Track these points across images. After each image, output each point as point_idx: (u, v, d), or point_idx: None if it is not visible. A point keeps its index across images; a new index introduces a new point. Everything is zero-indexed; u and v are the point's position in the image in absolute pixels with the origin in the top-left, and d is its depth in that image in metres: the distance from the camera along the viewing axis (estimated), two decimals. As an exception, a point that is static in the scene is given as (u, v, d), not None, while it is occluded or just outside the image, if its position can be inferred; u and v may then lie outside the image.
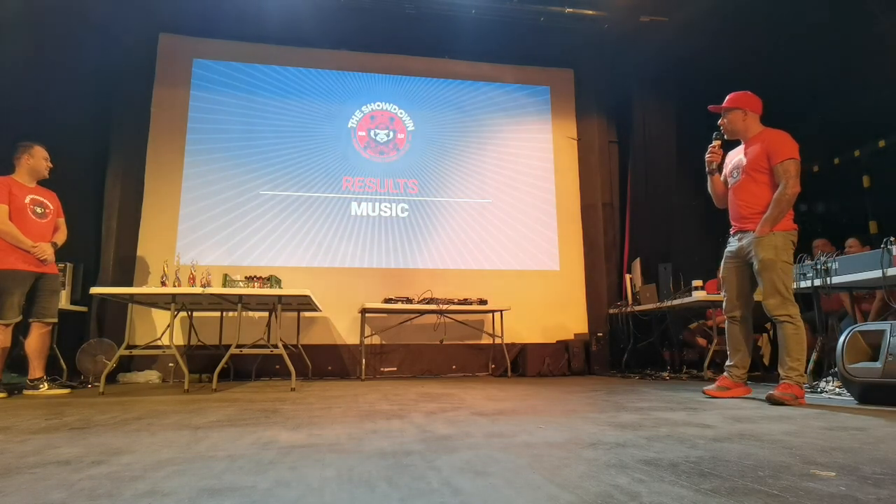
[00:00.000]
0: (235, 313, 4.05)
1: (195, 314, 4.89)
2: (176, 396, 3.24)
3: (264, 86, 5.76)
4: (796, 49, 5.14)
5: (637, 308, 5.12)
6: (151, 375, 4.66)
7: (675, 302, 4.59)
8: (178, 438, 1.67)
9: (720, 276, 3.08)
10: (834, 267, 3.24)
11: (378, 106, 5.97)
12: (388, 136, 5.91)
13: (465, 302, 5.06)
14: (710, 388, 2.95)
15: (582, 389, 3.48)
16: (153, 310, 4.98)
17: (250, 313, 5.09)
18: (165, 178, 5.36)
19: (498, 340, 5.23)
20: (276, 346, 3.83)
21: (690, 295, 4.40)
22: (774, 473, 1.15)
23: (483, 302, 5.11)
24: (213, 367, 3.80)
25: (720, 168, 3.11)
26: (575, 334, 5.63)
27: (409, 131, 5.96)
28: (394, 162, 5.87)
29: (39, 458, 1.38)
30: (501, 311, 5.18)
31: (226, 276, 3.96)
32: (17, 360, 3.81)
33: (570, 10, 5.35)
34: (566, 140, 6.20)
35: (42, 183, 3.79)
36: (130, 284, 5.02)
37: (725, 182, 3.07)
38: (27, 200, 3.61)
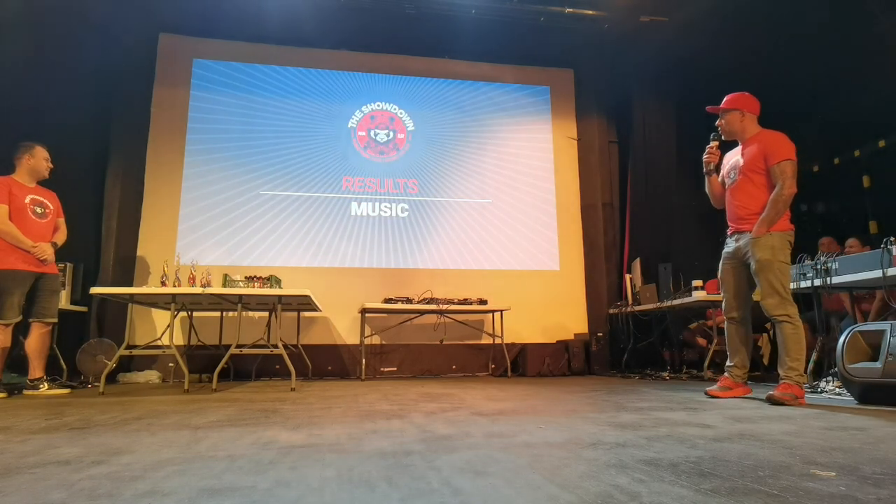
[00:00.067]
0: (235, 313, 4.05)
1: (195, 314, 4.89)
2: (176, 396, 3.24)
3: (264, 86, 5.76)
4: (796, 49, 5.14)
5: (637, 308, 5.12)
6: (151, 375, 4.66)
7: (675, 302, 4.59)
8: (178, 438, 1.67)
9: (719, 276, 3.08)
10: (834, 267, 3.24)
11: (378, 106, 5.97)
12: (388, 136, 5.91)
13: (465, 302, 5.06)
14: (713, 388, 2.95)
15: (582, 389, 3.48)
16: (153, 310, 4.98)
17: (250, 313, 5.09)
18: (165, 178, 5.36)
19: (498, 340, 5.23)
20: (276, 346, 3.83)
21: (690, 295, 4.41)
22: (774, 473, 1.15)
23: (483, 302, 5.11)
24: (213, 367, 3.80)
25: (718, 169, 3.12)
26: (575, 334, 5.63)
27: (409, 131, 5.97)
28: (394, 162, 5.87)
29: (39, 458, 1.38)
30: (501, 311, 5.18)
31: (226, 276, 3.96)
32: (17, 360, 3.81)
33: (570, 10, 5.35)
34: (566, 140, 6.20)
35: (42, 183, 3.79)
36: (130, 284, 5.02)
37: (723, 183, 3.08)
38: (27, 200, 3.61)
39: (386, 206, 5.72)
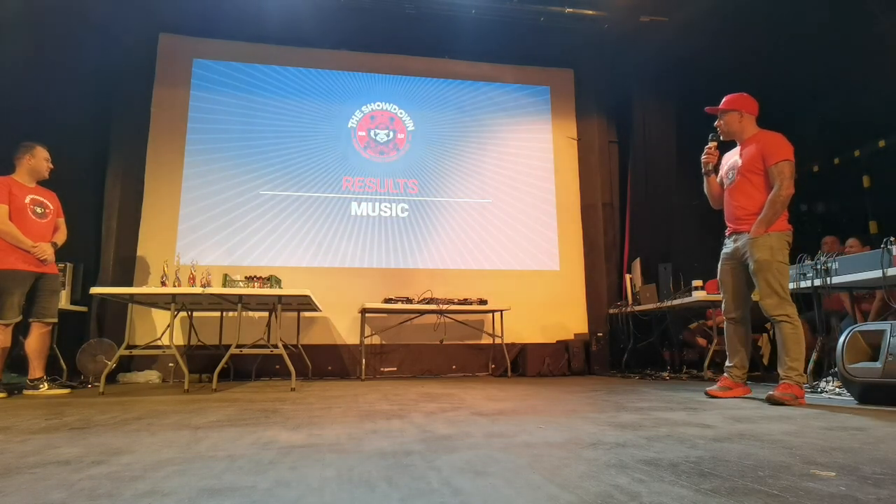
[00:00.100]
0: (235, 313, 4.05)
1: (195, 314, 4.89)
2: (176, 396, 3.24)
3: (264, 86, 5.76)
4: (796, 49, 5.14)
5: (637, 308, 5.12)
6: (151, 375, 4.66)
7: (675, 302, 4.59)
8: (178, 438, 1.67)
9: (718, 277, 3.08)
10: (834, 267, 3.24)
11: (378, 106, 5.97)
12: (388, 136, 5.91)
13: (464, 302, 5.06)
14: (713, 388, 2.95)
15: (582, 389, 3.48)
16: (153, 310, 4.98)
17: (250, 313, 5.09)
18: (165, 178, 5.36)
19: (498, 340, 5.23)
20: (276, 346, 3.83)
21: (690, 295, 4.41)
22: (774, 473, 1.15)
23: (483, 302, 5.11)
24: (213, 367, 3.80)
25: (716, 169, 3.12)
26: (575, 334, 5.63)
27: (409, 131, 5.97)
28: (394, 162, 5.87)
29: (39, 458, 1.38)
30: (501, 311, 5.18)
31: (226, 276, 3.96)
32: (17, 360, 3.81)
33: (570, 10, 5.35)
34: (566, 140, 6.20)
35: (42, 183, 3.79)
36: (130, 284, 5.02)
37: (721, 183, 3.08)
38: (27, 200, 3.61)
39: (386, 206, 5.72)
